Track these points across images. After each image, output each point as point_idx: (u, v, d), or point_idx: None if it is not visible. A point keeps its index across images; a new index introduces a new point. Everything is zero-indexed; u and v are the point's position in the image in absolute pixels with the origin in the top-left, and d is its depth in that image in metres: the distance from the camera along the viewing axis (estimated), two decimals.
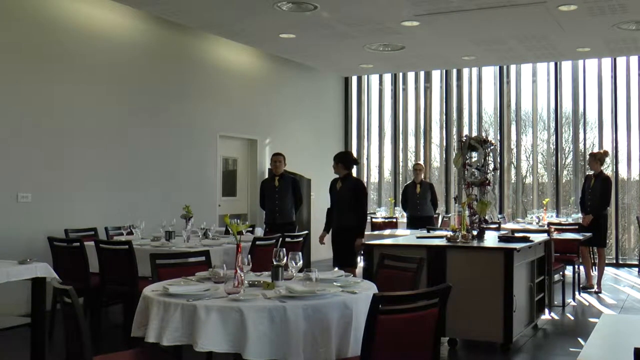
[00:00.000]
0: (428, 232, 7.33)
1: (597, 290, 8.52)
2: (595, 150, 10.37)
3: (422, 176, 9.84)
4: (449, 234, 5.97)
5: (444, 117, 12.71)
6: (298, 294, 3.28)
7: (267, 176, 9.52)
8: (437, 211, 10.12)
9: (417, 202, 9.23)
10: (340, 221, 6.89)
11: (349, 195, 6.80)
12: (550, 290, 6.91)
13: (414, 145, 13.16)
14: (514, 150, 12.40)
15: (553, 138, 12.10)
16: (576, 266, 7.99)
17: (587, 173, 8.94)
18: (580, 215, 9.08)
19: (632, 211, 11.58)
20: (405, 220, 10.96)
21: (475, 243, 5.76)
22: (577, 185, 11.70)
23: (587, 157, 8.95)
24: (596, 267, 8.90)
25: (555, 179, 11.97)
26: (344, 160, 6.94)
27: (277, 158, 8.22)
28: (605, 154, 8.81)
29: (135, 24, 8.40)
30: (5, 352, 5.49)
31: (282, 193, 8.14)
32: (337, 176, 7.03)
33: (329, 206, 7.15)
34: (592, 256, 9.22)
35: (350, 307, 3.30)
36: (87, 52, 7.68)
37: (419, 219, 9.11)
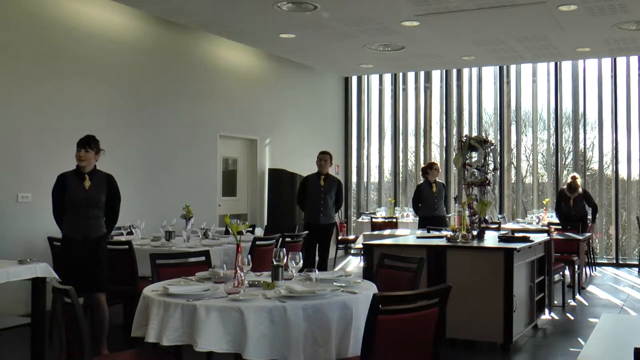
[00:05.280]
0: (428, 232, 7.32)
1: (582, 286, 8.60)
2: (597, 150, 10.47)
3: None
4: (449, 234, 5.97)
5: (444, 117, 12.70)
6: (298, 294, 3.28)
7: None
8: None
9: (435, 201, 9.13)
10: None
11: (100, 196, 5.20)
12: (550, 290, 6.91)
13: (414, 145, 13.15)
14: (514, 150, 12.38)
15: (553, 138, 12.09)
16: (576, 266, 8.00)
17: (562, 188, 9.45)
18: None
19: (632, 211, 11.58)
20: (406, 220, 10.96)
21: (475, 243, 5.77)
22: None
23: (571, 181, 9.17)
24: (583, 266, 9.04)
25: (555, 179, 11.95)
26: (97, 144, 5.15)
27: (324, 157, 7.93)
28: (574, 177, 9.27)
29: (135, 24, 8.40)
30: (5, 352, 5.49)
31: (327, 193, 7.94)
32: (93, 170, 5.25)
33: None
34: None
35: (350, 307, 3.30)
36: (87, 52, 7.68)
37: (434, 219, 8.83)
